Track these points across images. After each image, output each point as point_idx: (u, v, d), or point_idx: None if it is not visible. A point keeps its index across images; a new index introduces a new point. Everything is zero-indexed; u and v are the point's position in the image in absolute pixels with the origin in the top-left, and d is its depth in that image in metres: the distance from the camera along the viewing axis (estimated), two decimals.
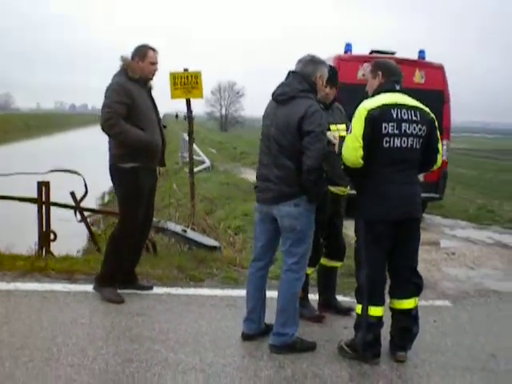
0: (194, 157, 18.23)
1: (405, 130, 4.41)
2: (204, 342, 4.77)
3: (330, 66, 5.47)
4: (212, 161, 22.64)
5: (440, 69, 11.49)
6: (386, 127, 4.38)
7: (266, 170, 4.69)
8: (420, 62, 11.53)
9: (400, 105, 4.44)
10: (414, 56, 11.72)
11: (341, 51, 11.66)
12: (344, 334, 5.11)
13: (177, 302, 5.71)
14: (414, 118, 4.44)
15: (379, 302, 4.57)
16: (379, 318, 4.57)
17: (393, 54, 11.99)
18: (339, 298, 5.80)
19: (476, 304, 6.27)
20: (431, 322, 5.46)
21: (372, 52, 11.86)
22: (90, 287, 5.79)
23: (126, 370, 4.19)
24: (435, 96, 11.14)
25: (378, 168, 4.43)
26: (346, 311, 5.64)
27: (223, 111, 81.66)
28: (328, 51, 12.16)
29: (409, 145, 4.44)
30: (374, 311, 4.55)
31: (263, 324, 4.95)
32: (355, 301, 5.91)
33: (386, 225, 4.48)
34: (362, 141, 4.35)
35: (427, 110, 4.54)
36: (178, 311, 5.45)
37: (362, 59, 11.46)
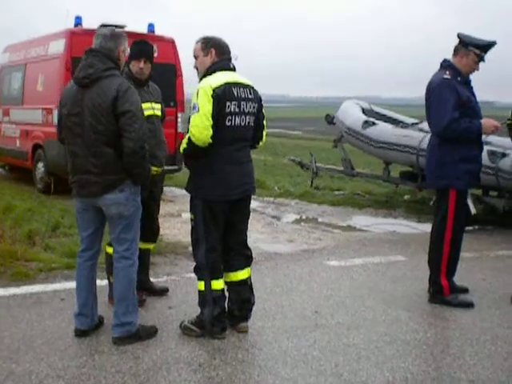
0: None
1: (243, 109, 4.46)
2: (39, 346, 4.34)
3: (147, 42, 5.30)
4: None
5: (171, 43, 11.68)
6: (229, 106, 4.38)
7: (83, 162, 4.33)
8: (151, 36, 11.54)
9: (238, 83, 4.47)
10: (144, 30, 11.73)
11: (71, 25, 11.17)
12: (172, 314, 5.10)
13: None
14: (249, 96, 4.52)
15: (219, 275, 4.64)
16: (222, 291, 4.64)
17: (122, 27, 11.84)
18: None
19: (269, 267, 6.64)
20: None
21: (102, 25, 11.56)
22: None
23: None
24: (168, 69, 11.35)
25: (218, 147, 4.40)
26: (162, 292, 5.59)
27: None
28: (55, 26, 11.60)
29: (246, 123, 4.52)
30: (217, 285, 4.60)
31: (96, 318, 4.68)
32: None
33: (224, 204, 4.54)
34: (211, 119, 4.30)
35: (255, 87, 4.64)
36: None
37: (94, 33, 11.14)
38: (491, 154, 8.19)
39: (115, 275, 4.50)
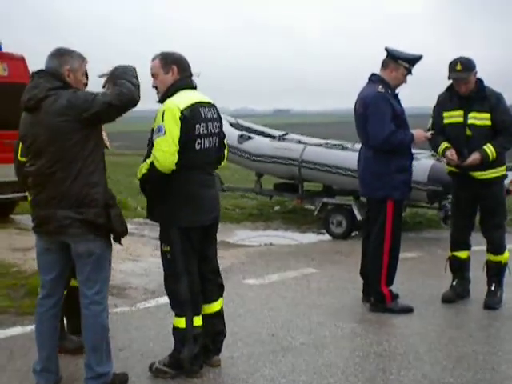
0: None
1: (211, 130, 4.23)
2: None
3: None
4: None
5: (22, 60, 10.84)
6: (198, 128, 4.11)
7: (44, 194, 3.87)
8: (0, 54, 10.70)
9: (203, 103, 4.22)
10: None
11: None
12: (127, 356, 4.69)
13: None
14: (214, 116, 4.29)
15: (200, 311, 4.35)
16: (202, 327, 4.33)
17: None
18: None
19: None
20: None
21: None
22: None
23: None
24: (20, 89, 10.51)
25: (187, 172, 4.12)
26: None
27: None
28: None
29: (214, 144, 4.29)
30: (198, 321, 4.30)
31: (59, 372, 4.19)
32: None
33: (200, 230, 4.28)
34: (178, 144, 4.01)
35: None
36: None
37: None
38: None
39: (85, 323, 4.02)
